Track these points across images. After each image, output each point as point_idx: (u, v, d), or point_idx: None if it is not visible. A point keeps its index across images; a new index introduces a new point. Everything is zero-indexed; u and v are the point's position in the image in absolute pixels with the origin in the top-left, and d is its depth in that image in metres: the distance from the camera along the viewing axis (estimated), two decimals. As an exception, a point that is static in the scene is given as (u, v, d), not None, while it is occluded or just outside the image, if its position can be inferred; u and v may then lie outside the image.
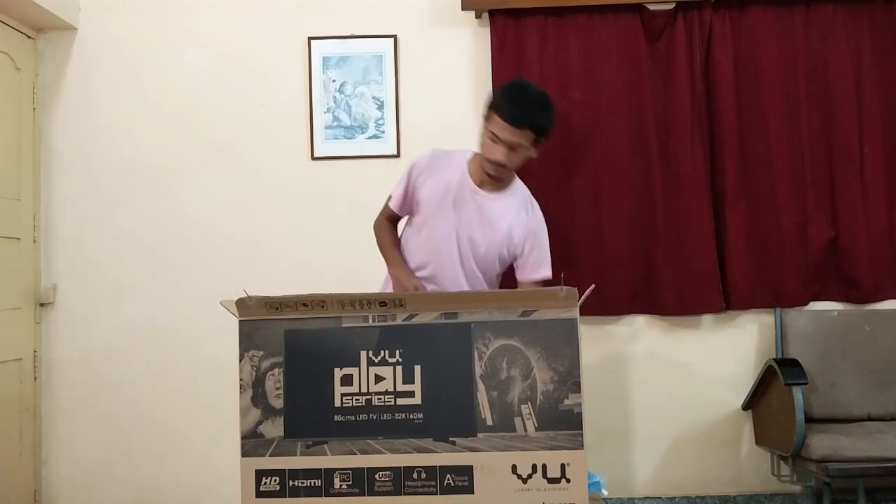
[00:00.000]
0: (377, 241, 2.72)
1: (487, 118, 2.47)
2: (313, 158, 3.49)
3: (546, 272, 2.62)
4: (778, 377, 3.05)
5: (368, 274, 3.33)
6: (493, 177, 2.51)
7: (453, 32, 3.51)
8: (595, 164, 3.39)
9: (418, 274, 2.59)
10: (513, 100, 2.43)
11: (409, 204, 2.64)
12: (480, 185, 2.55)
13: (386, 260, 2.67)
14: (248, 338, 1.95)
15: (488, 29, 3.44)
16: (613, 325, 3.45)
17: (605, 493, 2.26)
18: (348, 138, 3.49)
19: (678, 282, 3.34)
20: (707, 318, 3.44)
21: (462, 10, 3.41)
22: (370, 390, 1.90)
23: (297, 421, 1.91)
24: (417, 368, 1.90)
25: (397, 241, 2.71)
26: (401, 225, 2.77)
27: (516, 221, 2.56)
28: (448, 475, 1.86)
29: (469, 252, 2.56)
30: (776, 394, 3.12)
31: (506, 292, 2.37)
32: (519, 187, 2.63)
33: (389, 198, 2.68)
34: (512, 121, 2.39)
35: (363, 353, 1.92)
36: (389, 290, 2.61)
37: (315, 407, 1.91)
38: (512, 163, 2.48)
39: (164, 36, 3.55)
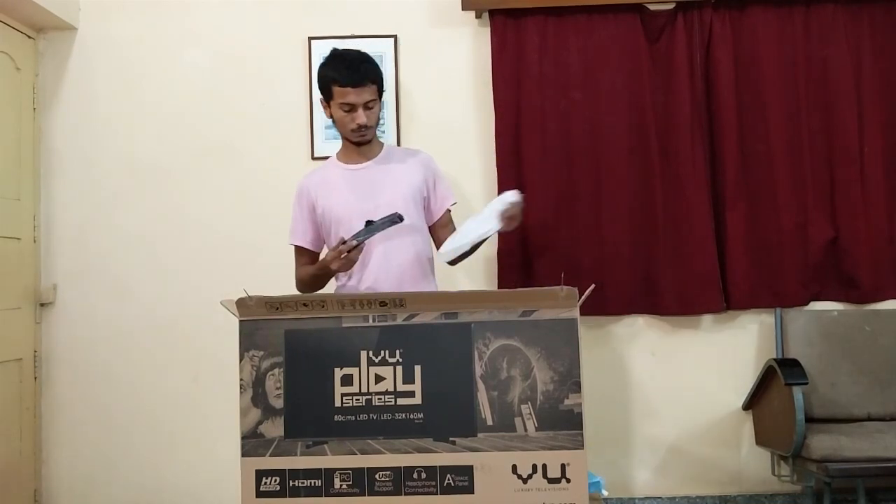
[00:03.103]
0: (303, 284, 2.69)
1: (329, 97, 2.57)
2: (313, 158, 3.49)
3: (452, 199, 2.75)
4: (778, 377, 3.05)
5: (368, 274, 3.34)
6: (362, 143, 2.62)
7: (453, 32, 3.51)
8: (595, 164, 3.39)
9: (363, 279, 2.58)
10: (342, 66, 2.52)
11: (314, 227, 2.68)
12: (354, 163, 2.65)
13: (318, 271, 2.61)
14: (249, 338, 1.95)
15: (488, 29, 3.44)
16: (613, 325, 3.45)
17: (605, 493, 2.26)
18: (348, 138, 3.48)
19: (678, 282, 3.34)
20: (707, 318, 3.44)
21: (462, 10, 3.40)
22: (370, 390, 1.91)
23: (297, 421, 1.91)
24: (417, 368, 1.90)
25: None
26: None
27: (408, 169, 2.67)
28: (448, 475, 1.86)
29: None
30: (776, 394, 3.12)
31: (506, 292, 2.37)
32: (387, 148, 2.74)
33: (296, 249, 2.74)
34: (354, 83, 2.50)
35: (363, 353, 1.92)
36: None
37: (315, 407, 1.91)
38: (372, 120, 2.58)
39: (164, 36, 3.55)
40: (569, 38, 3.41)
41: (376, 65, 2.60)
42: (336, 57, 2.59)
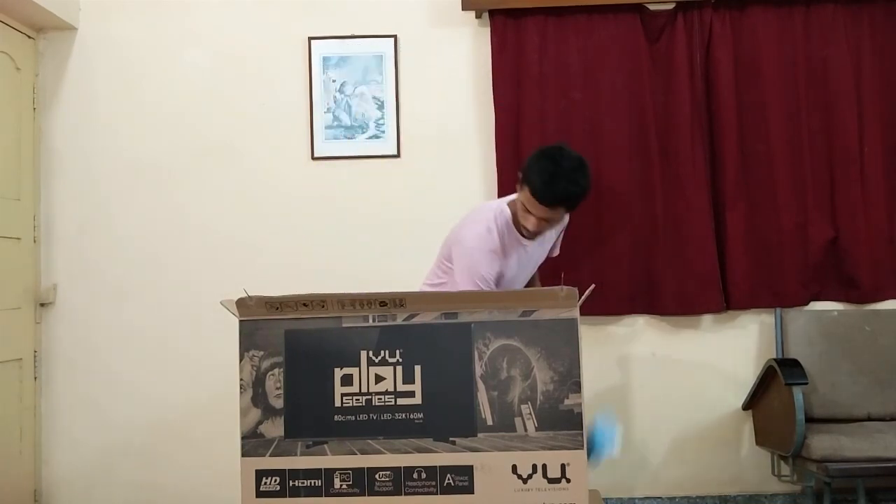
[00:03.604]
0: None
1: (521, 187, 2.48)
2: (313, 158, 3.49)
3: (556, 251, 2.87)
4: (778, 377, 3.05)
5: (369, 273, 3.35)
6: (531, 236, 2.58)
7: (453, 32, 3.51)
8: (595, 164, 3.37)
9: None
10: (545, 178, 2.38)
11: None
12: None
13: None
14: (249, 338, 1.95)
15: (488, 29, 3.44)
16: (613, 325, 3.45)
17: (616, 446, 2.17)
18: (348, 138, 3.49)
19: (678, 282, 3.34)
20: (707, 318, 3.44)
21: (462, 10, 3.41)
22: (370, 390, 1.90)
23: (297, 421, 1.91)
24: (417, 368, 1.90)
25: None
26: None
27: (547, 242, 2.75)
28: (448, 475, 1.86)
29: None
30: (776, 394, 3.12)
31: (506, 292, 2.37)
32: None
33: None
34: (543, 200, 2.40)
35: (363, 353, 1.92)
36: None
37: (315, 407, 1.91)
38: (545, 230, 2.52)
39: (164, 36, 3.55)
40: (569, 38, 3.42)
41: (582, 186, 2.42)
42: (550, 160, 2.41)
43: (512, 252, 2.58)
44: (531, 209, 2.45)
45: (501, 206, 2.60)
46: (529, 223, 2.47)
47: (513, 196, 2.62)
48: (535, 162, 2.45)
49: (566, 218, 2.70)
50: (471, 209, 2.70)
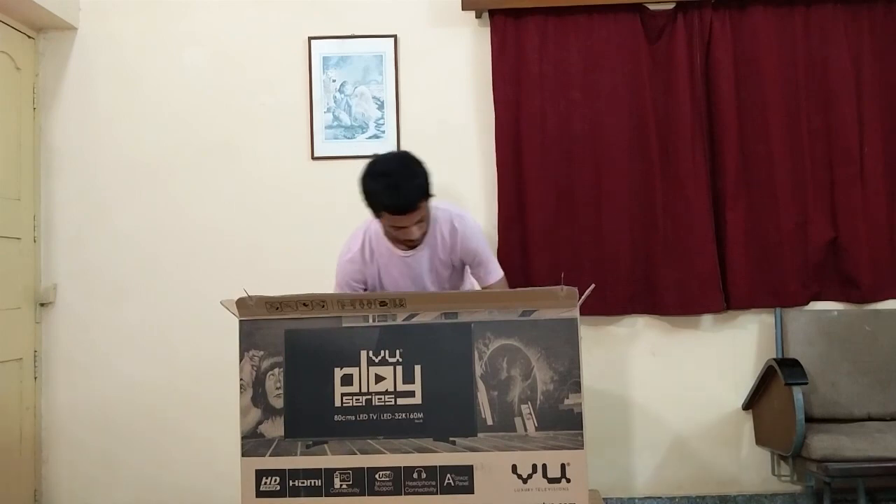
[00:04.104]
0: None
1: (377, 215, 2.43)
2: (313, 158, 3.49)
3: (496, 275, 2.67)
4: (778, 377, 3.05)
5: (368, 274, 3.33)
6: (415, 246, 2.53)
7: (453, 32, 3.51)
8: (595, 164, 3.39)
9: None
10: (390, 192, 2.34)
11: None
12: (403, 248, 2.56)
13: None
14: (249, 337, 1.95)
15: (488, 29, 3.44)
16: (613, 325, 3.45)
17: None
18: (348, 138, 3.49)
19: (678, 282, 3.34)
20: (707, 318, 3.44)
21: (462, 10, 3.40)
22: (370, 390, 1.90)
23: (297, 421, 1.91)
24: (417, 368, 1.90)
25: None
26: None
27: (444, 255, 2.59)
28: (448, 475, 1.86)
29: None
30: (776, 394, 3.12)
31: (506, 292, 2.37)
32: (436, 221, 2.57)
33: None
34: (402, 211, 2.36)
35: (363, 353, 1.92)
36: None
37: (315, 407, 1.91)
38: (423, 229, 2.47)
39: (164, 36, 3.55)
40: (569, 38, 3.41)
41: (421, 179, 2.39)
42: (381, 175, 2.38)
43: (386, 262, 2.56)
44: (393, 223, 2.40)
45: (373, 220, 2.56)
46: (409, 234, 2.42)
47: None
48: (370, 185, 2.39)
49: (473, 243, 2.60)
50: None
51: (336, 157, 3.49)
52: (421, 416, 1.88)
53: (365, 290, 2.59)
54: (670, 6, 3.41)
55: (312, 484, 1.88)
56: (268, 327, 1.94)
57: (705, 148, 3.38)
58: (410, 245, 2.51)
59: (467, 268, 2.72)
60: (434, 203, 2.52)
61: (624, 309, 3.40)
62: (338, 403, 1.90)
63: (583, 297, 1.88)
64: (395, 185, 2.33)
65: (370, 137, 3.48)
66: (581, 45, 3.41)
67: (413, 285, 2.58)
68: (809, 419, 3.07)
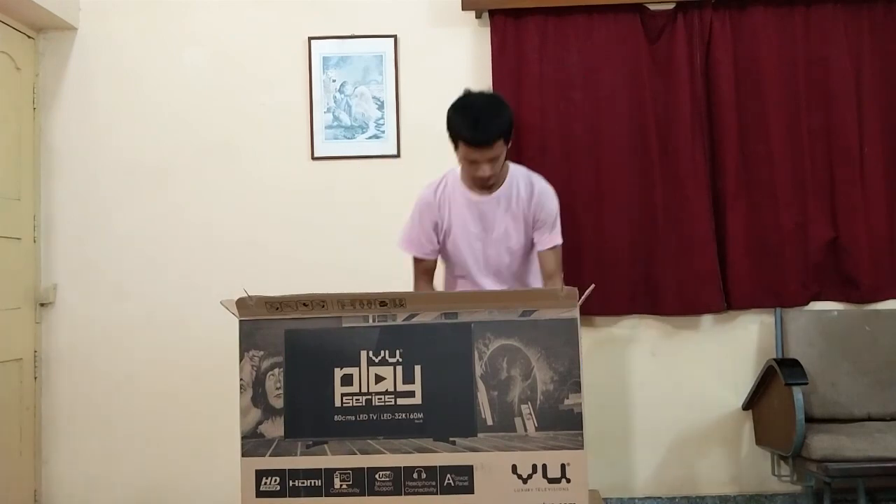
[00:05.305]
0: None
1: (455, 146, 2.51)
2: (313, 158, 3.49)
3: (558, 240, 2.72)
4: (778, 377, 3.05)
5: (369, 273, 3.35)
6: (487, 187, 2.59)
7: (453, 32, 3.51)
8: (595, 164, 3.39)
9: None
10: (470, 123, 2.44)
11: (433, 240, 2.67)
12: (478, 191, 2.62)
13: None
14: (249, 338, 1.95)
15: (488, 29, 3.44)
16: (613, 325, 3.45)
17: None
18: (348, 138, 3.49)
19: (678, 282, 3.34)
20: (707, 318, 3.44)
21: (462, 10, 3.41)
22: (370, 390, 1.90)
23: (297, 421, 1.90)
24: (417, 368, 1.90)
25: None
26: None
27: (517, 208, 2.64)
28: (448, 475, 1.86)
29: (493, 261, 2.68)
30: (776, 394, 3.12)
31: (506, 292, 2.37)
32: (513, 176, 2.65)
33: (414, 258, 2.71)
34: (479, 143, 2.44)
35: (363, 353, 1.92)
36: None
37: (315, 407, 1.91)
38: (497, 170, 2.53)
39: (164, 36, 3.55)
40: (569, 38, 3.42)
41: (506, 116, 2.48)
42: (466, 106, 2.49)
43: (459, 206, 2.62)
44: (473, 157, 2.47)
45: (454, 168, 2.67)
46: (482, 171, 2.49)
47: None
48: (455, 115, 2.49)
49: (550, 203, 2.68)
50: None
51: (336, 157, 3.49)
52: (421, 416, 1.88)
53: (435, 227, 2.65)
54: (670, 6, 3.42)
55: (312, 484, 1.88)
56: (268, 327, 1.94)
57: (705, 148, 3.38)
58: (484, 185, 2.56)
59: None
60: (513, 164, 2.65)
61: (624, 309, 3.40)
62: (338, 403, 1.90)
63: (583, 297, 1.87)
64: (476, 118, 2.43)
65: (370, 137, 3.48)
66: (581, 46, 3.41)
67: (483, 232, 2.64)
68: (809, 419, 3.07)
